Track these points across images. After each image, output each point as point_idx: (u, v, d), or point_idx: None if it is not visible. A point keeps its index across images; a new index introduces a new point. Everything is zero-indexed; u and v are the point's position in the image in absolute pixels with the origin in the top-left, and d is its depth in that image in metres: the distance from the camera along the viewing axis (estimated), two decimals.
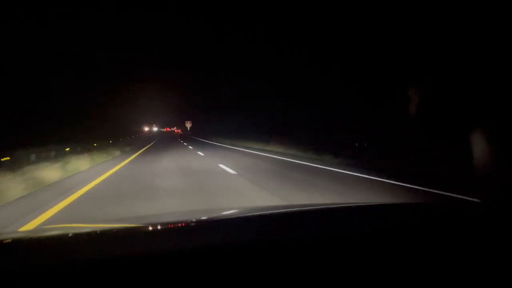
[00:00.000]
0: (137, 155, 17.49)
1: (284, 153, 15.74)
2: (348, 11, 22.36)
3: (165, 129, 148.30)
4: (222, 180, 7.73)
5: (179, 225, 1.36)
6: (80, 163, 11.30)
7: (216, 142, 31.35)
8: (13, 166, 9.05)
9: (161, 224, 1.43)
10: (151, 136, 65.12)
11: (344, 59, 22.33)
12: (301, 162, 12.00)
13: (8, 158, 10.09)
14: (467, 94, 0.91)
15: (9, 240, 1.11)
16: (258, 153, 17.17)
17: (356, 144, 17.30)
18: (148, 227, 1.34)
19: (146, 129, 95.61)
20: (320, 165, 10.81)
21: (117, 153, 18.75)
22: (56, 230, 1.68)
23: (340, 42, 22.84)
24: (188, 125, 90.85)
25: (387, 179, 7.67)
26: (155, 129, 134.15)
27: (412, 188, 6.69)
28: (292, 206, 1.95)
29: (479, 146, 0.85)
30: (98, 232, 1.29)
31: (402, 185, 6.94)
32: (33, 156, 11.91)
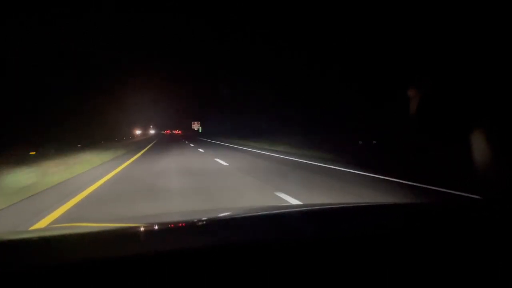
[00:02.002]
0: None
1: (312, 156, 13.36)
2: (349, 11, 22.37)
3: (165, 132, 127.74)
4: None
5: (180, 225, 1.37)
6: None
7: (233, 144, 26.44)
8: None
9: (163, 224, 1.44)
10: (138, 141, 40.02)
11: (345, 59, 22.36)
12: (324, 164, 11.00)
13: None
14: (467, 95, 0.92)
15: (14, 240, 1.13)
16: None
17: (360, 143, 17.21)
18: (152, 227, 1.36)
19: (138, 132, 73.14)
20: (332, 165, 10.58)
21: None
22: (61, 229, 1.70)
23: (340, 42, 22.87)
24: (196, 126, 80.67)
25: (390, 177, 7.69)
26: (152, 131, 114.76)
27: (416, 186, 6.70)
28: (293, 207, 1.95)
29: (479, 146, 0.86)
30: (103, 232, 1.31)
31: (404, 183, 6.95)
32: None
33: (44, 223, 4.31)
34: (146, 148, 22.69)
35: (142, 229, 1.31)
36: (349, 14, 22.28)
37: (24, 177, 7.16)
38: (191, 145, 25.02)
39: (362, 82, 19.73)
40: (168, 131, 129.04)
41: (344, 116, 21.16)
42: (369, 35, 19.60)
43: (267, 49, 40.07)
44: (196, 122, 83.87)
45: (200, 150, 18.84)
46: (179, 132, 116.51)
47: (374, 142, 16.44)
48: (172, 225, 1.37)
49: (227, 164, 10.92)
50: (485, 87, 0.88)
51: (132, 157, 14.72)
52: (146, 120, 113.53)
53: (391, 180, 7.46)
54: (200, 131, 72.85)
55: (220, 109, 59.92)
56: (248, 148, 20.41)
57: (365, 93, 19.11)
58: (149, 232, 1.21)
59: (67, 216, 4.49)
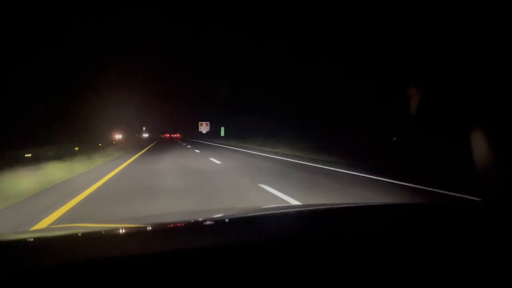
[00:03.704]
0: None
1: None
2: (352, 9, 22.38)
3: (164, 135, 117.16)
4: None
5: (179, 225, 1.37)
6: None
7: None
8: None
9: (164, 224, 1.45)
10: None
11: (347, 57, 22.37)
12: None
13: None
14: (469, 94, 0.91)
15: (15, 240, 1.13)
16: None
17: (365, 140, 17.12)
18: (152, 227, 1.36)
19: (118, 136, 50.53)
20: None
21: None
22: (62, 230, 1.71)
23: (343, 40, 22.88)
24: (204, 128, 63.57)
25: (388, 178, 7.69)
26: (145, 135, 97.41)
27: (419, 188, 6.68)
28: (293, 207, 1.96)
29: (480, 145, 0.85)
30: (102, 232, 1.31)
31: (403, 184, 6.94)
32: None
33: None
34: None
35: (142, 229, 1.31)
36: (352, 11, 22.29)
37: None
38: None
39: (364, 79, 19.73)
40: (168, 135, 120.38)
41: (352, 114, 21.18)
42: (370, 32, 19.59)
43: (284, 54, 39.58)
44: (204, 123, 64.92)
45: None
46: (178, 135, 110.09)
47: (394, 139, 15.54)
48: (172, 225, 1.37)
49: None
50: (487, 87, 0.88)
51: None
52: (138, 122, 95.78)
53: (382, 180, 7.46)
54: (222, 134, 49.64)
55: (238, 110, 55.14)
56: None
57: (368, 91, 19.12)
58: (149, 233, 1.21)
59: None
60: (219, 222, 1.42)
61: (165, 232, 1.21)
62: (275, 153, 17.75)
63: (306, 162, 12.54)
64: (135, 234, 1.20)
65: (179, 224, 1.39)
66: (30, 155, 14.83)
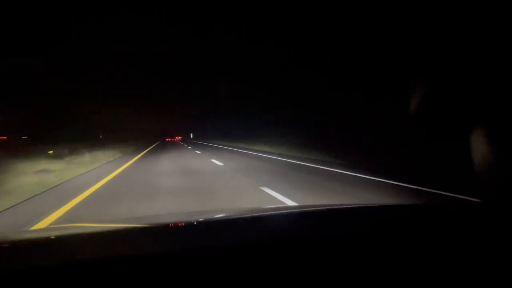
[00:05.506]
0: None
1: None
2: (349, 9, 22.37)
3: (166, 139, 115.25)
4: None
5: (179, 224, 1.38)
6: None
7: None
8: None
9: (164, 225, 1.45)
10: None
11: (352, 59, 22.35)
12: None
13: None
14: (469, 94, 0.91)
15: (16, 240, 1.14)
16: None
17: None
18: (152, 227, 1.36)
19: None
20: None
21: None
22: (62, 230, 1.71)
23: (337, 39, 22.85)
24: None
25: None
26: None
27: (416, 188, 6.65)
28: (293, 207, 1.96)
29: (480, 145, 0.85)
30: (102, 232, 1.31)
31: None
32: None
33: None
34: None
35: (142, 229, 1.32)
36: (351, 11, 22.27)
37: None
38: None
39: (364, 79, 19.73)
40: (169, 139, 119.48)
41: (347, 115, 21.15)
42: (370, 32, 19.59)
43: (284, 54, 39.09)
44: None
45: None
46: (179, 137, 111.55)
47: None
48: (172, 226, 1.37)
49: None
50: (487, 86, 0.87)
51: None
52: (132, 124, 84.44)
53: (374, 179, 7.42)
54: None
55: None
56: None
57: (368, 91, 19.11)
58: (150, 233, 1.21)
59: None
60: (218, 223, 1.43)
61: (165, 232, 1.21)
62: None
63: None
64: (135, 234, 1.20)
65: (179, 224, 1.39)
66: None
